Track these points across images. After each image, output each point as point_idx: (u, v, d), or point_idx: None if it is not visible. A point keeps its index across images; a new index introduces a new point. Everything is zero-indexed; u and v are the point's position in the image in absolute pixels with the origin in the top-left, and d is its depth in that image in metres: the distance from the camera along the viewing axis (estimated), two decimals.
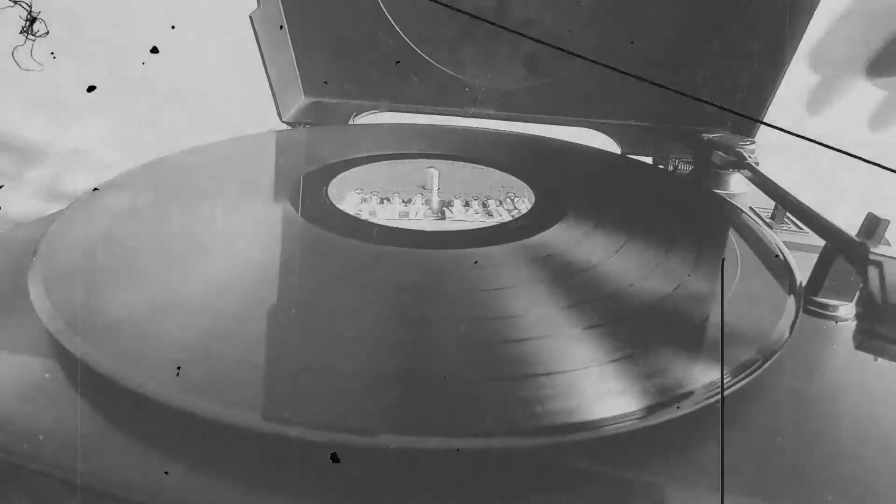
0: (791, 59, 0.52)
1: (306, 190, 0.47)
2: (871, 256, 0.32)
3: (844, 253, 0.34)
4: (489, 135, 0.65)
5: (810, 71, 0.62)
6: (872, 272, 0.31)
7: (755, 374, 0.29)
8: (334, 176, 0.50)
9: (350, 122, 0.68)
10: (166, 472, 0.24)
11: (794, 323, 0.32)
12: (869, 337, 0.30)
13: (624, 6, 0.59)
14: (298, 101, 0.69)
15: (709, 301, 0.36)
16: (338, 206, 0.45)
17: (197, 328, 0.30)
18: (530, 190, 0.50)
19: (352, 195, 0.47)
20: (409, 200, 0.47)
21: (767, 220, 0.50)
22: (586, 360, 0.29)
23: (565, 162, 0.61)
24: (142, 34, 0.80)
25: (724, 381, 0.28)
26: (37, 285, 0.33)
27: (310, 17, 0.65)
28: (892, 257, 0.32)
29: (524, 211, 0.45)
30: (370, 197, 0.47)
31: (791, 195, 0.43)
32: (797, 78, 0.54)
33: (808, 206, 0.40)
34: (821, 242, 0.39)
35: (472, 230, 0.42)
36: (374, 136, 0.63)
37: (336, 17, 0.65)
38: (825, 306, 0.36)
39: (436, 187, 0.49)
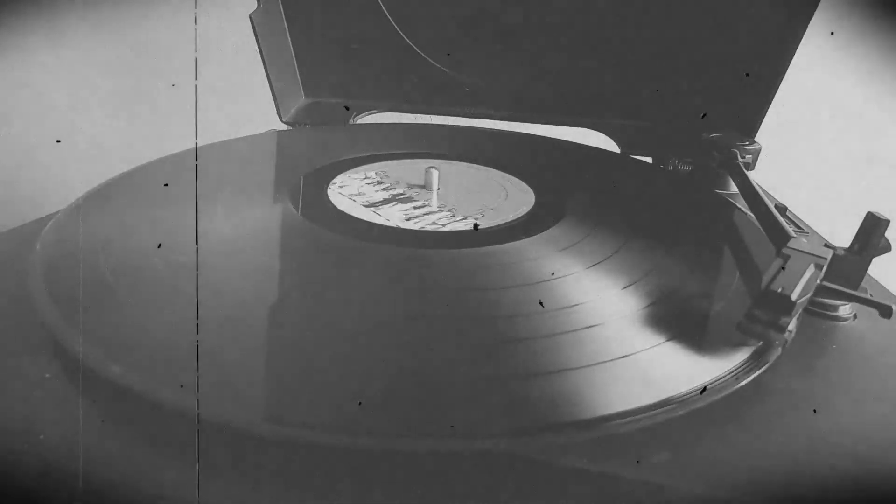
0: (791, 59, 0.52)
1: (306, 190, 0.47)
2: (785, 251, 0.34)
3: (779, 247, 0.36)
4: (489, 135, 0.65)
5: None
6: (777, 262, 0.33)
7: (755, 375, 0.29)
8: (334, 176, 0.50)
9: (350, 122, 0.68)
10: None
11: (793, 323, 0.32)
12: (746, 319, 0.31)
13: (624, 7, 0.59)
14: (298, 101, 0.69)
15: (709, 301, 0.36)
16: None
17: (197, 328, 0.30)
18: (530, 190, 0.50)
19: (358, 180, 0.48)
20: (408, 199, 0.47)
21: None
22: (586, 359, 0.29)
23: (565, 162, 0.61)
24: (144, 32, 0.80)
25: (724, 380, 0.28)
26: (37, 284, 0.33)
27: (310, 17, 0.65)
28: (807, 254, 0.34)
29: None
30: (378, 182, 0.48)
31: (763, 198, 0.43)
32: (797, 79, 0.54)
33: (770, 209, 0.41)
34: (820, 243, 0.39)
35: (472, 231, 0.42)
36: (374, 136, 0.63)
37: (336, 18, 0.65)
38: (825, 306, 0.36)
39: (436, 187, 0.49)
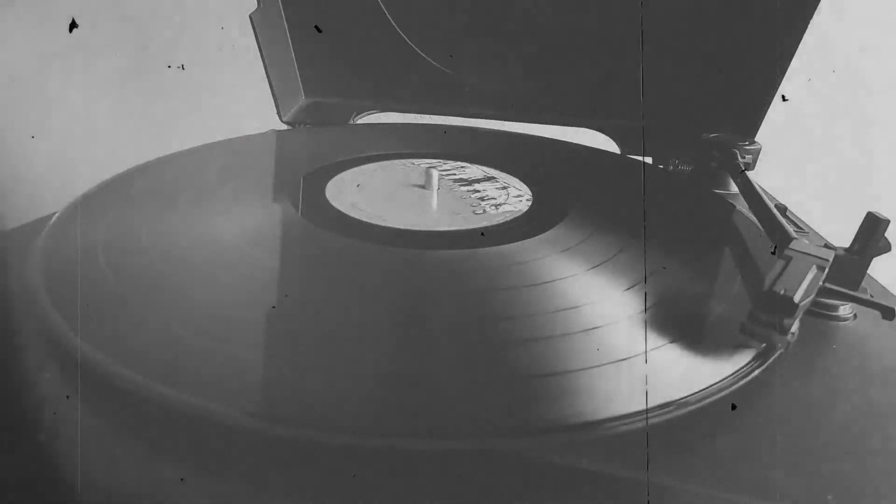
0: (791, 59, 0.52)
1: (306, 190, 0.47)
2: (787, 252, 0.34)
3: (781, 248, 0.36)
4: (489, 135, 0.65)
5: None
6: (779, 263, 0.33)
7: (755, 374, 0.29)
8: (334, 176, 0.50)
9: (350, 122, 0.68)
10: (182, 479, 0.24)
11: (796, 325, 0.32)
12: (749, 321, 0.31)
13: (624, 7, 0.59)
14: (298, 101, 0.68)
15: (709, 301, 0.36)
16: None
17: (197, 328, 0.30)
18: (528, 189, 0.50)
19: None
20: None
21: None
22: (587, 362, 0.29)
23: (565, 162, 0.61)
24: (143, 33, 0.80)
25: (725, 380, 0.28)
26: (37, 285, 0.33)
27: (310, 17, 0.65)
28: (809, 255, 0.33)
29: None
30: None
31: (763, 198, 0.43)
32: (797, 79, 0.54)
33: (771, 209, 0.41)
34: (820, 243, 0.39)
35: (473, 231, 0.42)
36: (374, 136, 0.63)
37: (336, 17, 0.65)
38: (825, 306, 0.36)
39: (436, 187, 0.49)
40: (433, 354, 0.29)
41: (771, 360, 0.30)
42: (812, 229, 0.48)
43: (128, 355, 0.28)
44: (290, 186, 0.47)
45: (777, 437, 0.27)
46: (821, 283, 0.32)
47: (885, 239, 0.36)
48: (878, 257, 0.36)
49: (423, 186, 0.49)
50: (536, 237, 0.41)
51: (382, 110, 0.69)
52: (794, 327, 0.30)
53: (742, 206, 0.49)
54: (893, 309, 0.32)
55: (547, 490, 0.24)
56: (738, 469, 0.25)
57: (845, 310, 0.36)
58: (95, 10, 0.78)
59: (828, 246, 0.37)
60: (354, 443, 0.25)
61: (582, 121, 0.65)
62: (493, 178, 0.52)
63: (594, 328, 0.31)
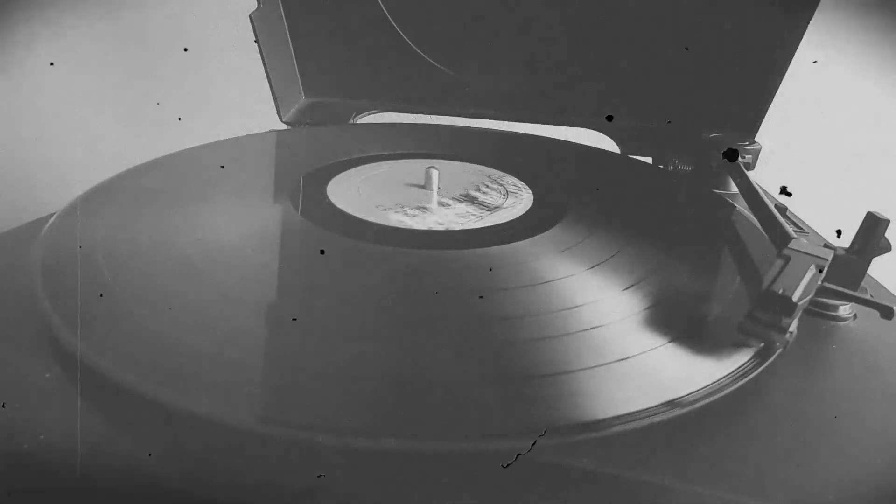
0: (791, 59, 0.52)
1: (306, 190, 0.47)
2: (786, 251, 0.34)
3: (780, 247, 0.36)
4: (489, 135, 0.65)
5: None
6: (778, 263, 0.33)
7: (755, 374, 0.29)
8: (334, 176, 0.50)
9: (350, 122, 0.68)
10: (181, 479, 0.24)
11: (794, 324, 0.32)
12: (748, 320, 0.31)
13: (624, 7, 0.59)
14: (298, 101, 0.68)
15: (710, 302, 0.36)
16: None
17: (196, 328, 0.30)
18: (529, 190, 0.50)
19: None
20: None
21: None
22: (586, 361, 0.29)
23: (565, 162, 0.61)
24: (143, 32, 0.80)
25: (724, 379, 0.28)
26: (37, 284, 0.33)
27: (310, 17, 0.65)
28: (808, 254, 0.33)
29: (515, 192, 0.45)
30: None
31: (763, 198, 0.43)
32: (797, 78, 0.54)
33: (771, 209, 0.41)
34: (820, 243, 0.39)
35: (472, 230, 0.42)
36: (374, 136, 0.63)
37: (336, 17, 0.65)
38: (825, 306, 0.36)
39: (436, 187, 0.49)
40: (433, 355, 0.29)
41: (770, 360, 0.30)
42: (812, 229, 0.48)
43: (127, 355, 0.28)
44: (290, 186, 0.47)
45: (777, 437, 0.27)
46: (820, 282, 0.32)
47: (885, 239, 0.36)
48: (878, 257, 0.36)
49: (422, 186, 0.49)
50: (536, 237, 0.41)
51: (382, 110, 0.69)
52: (793, 326, 0.30)
53: (742, 206, 0.49)
54: (893, 309, 0.32)
55: (547, 490, 0.24)
56: (738, 469, 0.25)
57: (845, 310, 0.36)
58: (96, 10, 0.78)
59: (827, 246, 0.37)
60: (353, 444, 0.24)
61: (582, 121, 0.65)
62: (493, 177, 0.52)
63: (594, 328, 0.31)
